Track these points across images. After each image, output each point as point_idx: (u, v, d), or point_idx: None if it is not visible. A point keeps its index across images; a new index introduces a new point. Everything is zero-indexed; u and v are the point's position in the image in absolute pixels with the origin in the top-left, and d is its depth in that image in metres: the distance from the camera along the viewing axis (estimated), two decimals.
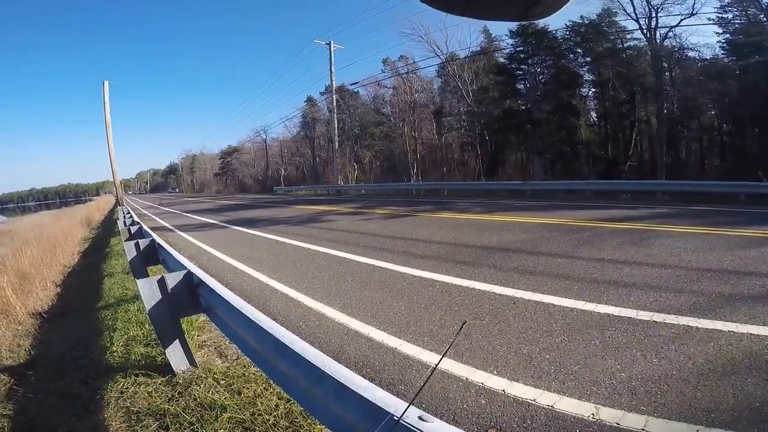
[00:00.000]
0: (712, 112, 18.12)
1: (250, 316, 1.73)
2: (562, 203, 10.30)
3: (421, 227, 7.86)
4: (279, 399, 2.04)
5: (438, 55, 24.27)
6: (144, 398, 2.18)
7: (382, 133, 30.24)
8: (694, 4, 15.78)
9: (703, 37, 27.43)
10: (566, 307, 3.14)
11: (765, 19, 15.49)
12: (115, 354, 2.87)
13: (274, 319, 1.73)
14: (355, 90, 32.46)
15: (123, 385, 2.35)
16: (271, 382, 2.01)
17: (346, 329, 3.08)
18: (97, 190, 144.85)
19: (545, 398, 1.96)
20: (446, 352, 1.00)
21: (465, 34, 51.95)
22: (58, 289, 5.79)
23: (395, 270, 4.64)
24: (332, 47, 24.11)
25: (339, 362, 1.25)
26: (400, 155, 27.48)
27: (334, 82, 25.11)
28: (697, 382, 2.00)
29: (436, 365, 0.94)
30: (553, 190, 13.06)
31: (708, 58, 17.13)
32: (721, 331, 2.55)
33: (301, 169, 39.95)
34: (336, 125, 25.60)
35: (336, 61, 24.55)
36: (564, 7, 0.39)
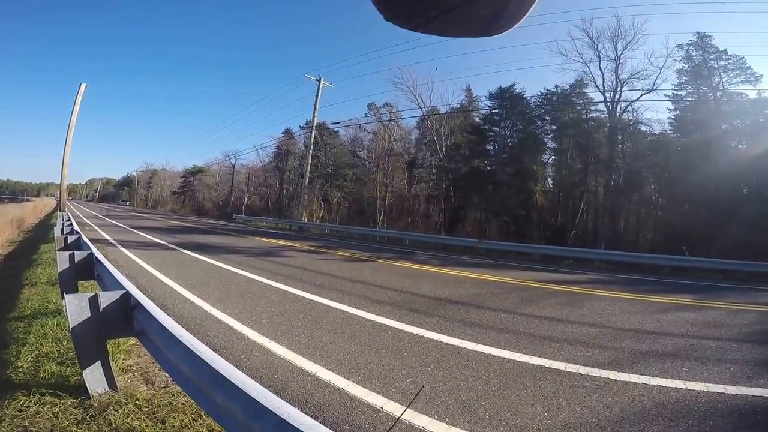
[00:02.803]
0: (652, 186, 20.30)
1: (189, 346, 1.66)
2: (511, 263, 10.89)
3: (380, 273, 7.93)
4: (209, 431, 1.92)
5: (420, 107, 25.50)
6: (47, 419, 1.95)
7: (354, 176, 30.67)
8: (656, 80, 17.91)
9: (657, 113, 30.86)
10: (504, 358, 3.34)
11: (712, 96, 17.43)
12: (20, 370, 2.55)
13: (213, 350, 1.68)
14: (335, 129, 33.28)
15: (24, 403, 2.09)
16: (202, 413, 1.89)
17: (291, 366, 2.98)
18: (38, 191, 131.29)
19: None
20: (405, 410, 1.07)
21: (449, 91, 56.33)
22: None
23: (349, 312, 4.61)
24: (321, 84, 24.59)
25: (281, 398, 1.24)
26: (369, 200, 27.71)
27: (316, 118, 25.43)
28: (612, 428, 2.25)
29: (399, 417, 1.01)
30: (504, 251, 13.75)
31: (657, 133, 19.35)
32: (635, 383, 2.89)
33: (266, 199, 39.05)
34: (309, 161, 25.67)
35: (322, 98, 25.05)
36: (523, 18, 0.38)
